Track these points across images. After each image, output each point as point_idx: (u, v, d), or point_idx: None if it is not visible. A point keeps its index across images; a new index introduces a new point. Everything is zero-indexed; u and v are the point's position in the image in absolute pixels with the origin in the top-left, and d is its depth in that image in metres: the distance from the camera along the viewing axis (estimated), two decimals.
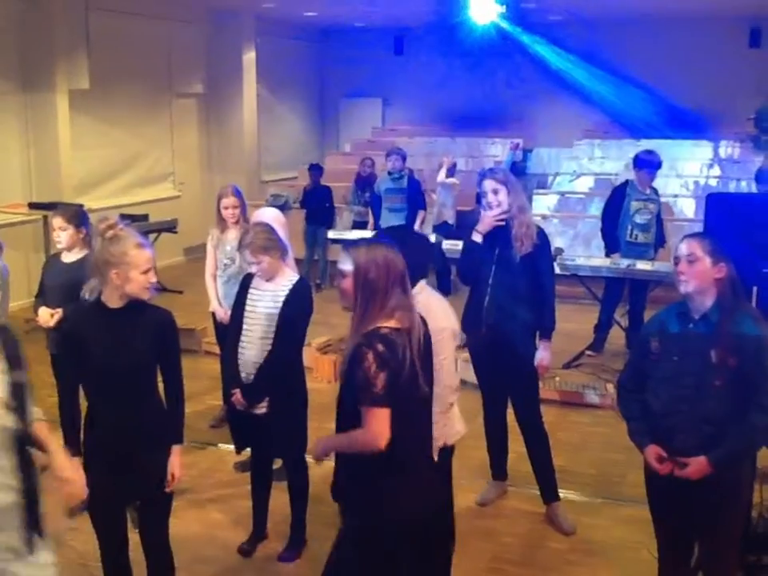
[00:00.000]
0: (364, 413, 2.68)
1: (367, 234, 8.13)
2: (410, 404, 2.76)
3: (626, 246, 7.03)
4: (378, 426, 2.67)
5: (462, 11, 10.62)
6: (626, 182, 7.24)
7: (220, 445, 5.44)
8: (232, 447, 5.35)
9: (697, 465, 2.94)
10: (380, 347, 2.66)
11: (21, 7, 8.92)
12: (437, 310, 3.31)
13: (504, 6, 10.60)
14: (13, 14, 8.91)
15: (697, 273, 2.97)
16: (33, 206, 8.81)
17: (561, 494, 4.54)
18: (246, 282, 4.11)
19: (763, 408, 2.85)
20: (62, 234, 4.61)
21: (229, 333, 4.15)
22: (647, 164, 6.98)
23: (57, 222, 4.64)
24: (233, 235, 5.33)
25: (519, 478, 4.81)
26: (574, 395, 6.18)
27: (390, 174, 8.29)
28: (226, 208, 5.35)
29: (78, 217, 4.70)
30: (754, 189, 8.04)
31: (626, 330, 7.07)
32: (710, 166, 11.48)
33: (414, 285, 3.28)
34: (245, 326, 4.00)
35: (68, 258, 4.67)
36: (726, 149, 11.89)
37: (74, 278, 4.39)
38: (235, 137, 12.43)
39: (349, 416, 2.78)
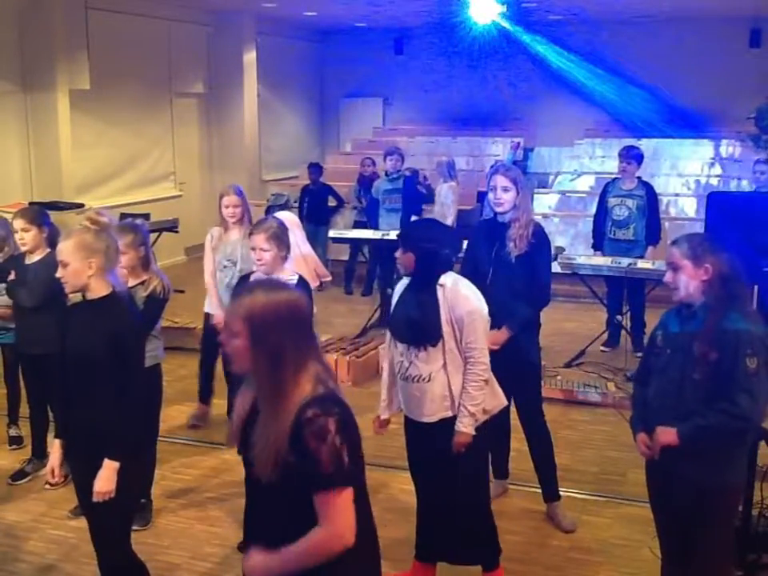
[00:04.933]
0: (327, 500, 2.10)
1: (368, 233, 8.16)
2: (362, 475, 2.25)
3: (608, 243, 7.07)
4: (347, 515, 2.12)
5: (462, 11, 10.62)
6: (613, 179, 7.28)
7: (220, 443, 5.44)
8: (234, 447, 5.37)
9: (664, 432, 2.99)
10: (337, 411, 2.13)
11: (21, 7, 8.93)
12: (466, 294, 3.48)
13: (504, 6, 10.60)
14: (13, 14, 8.91)
15: (681, 280, 3.00)
16: (33, 205, 8.81)
17: (562, 492, 4.54)
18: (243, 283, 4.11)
19: (733, 401, 2.87)
20: (26, 235, 4.61)
21: None
22: (623, 155, 7.03)
23: (18, 223, 4.63)
24: (234, 236, 5.31)
25: (521, 476, 4.80)
26: (576, 394, 6.17)
27: (387, 174, 8.30)
28: (227, 207, 5.29)
29: (39, 217, 4.70)
30: (754, 188, 8.03)
31: (628, 329, 7.06)
32: (711, 165, 11.49)
33: (443, 274, 3.48)
34: None
35: (30, 258, 4.70)
36: (727, 148, 11.89)
37: (39, 278, 4.49)
38: (236, 136, 12.44)
39: (292, 517, 2.17)
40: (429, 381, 3.48)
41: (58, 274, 3.16)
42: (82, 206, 8.59)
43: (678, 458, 3.00)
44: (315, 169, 10.11)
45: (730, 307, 2.93)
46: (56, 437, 3.32)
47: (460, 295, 3.48)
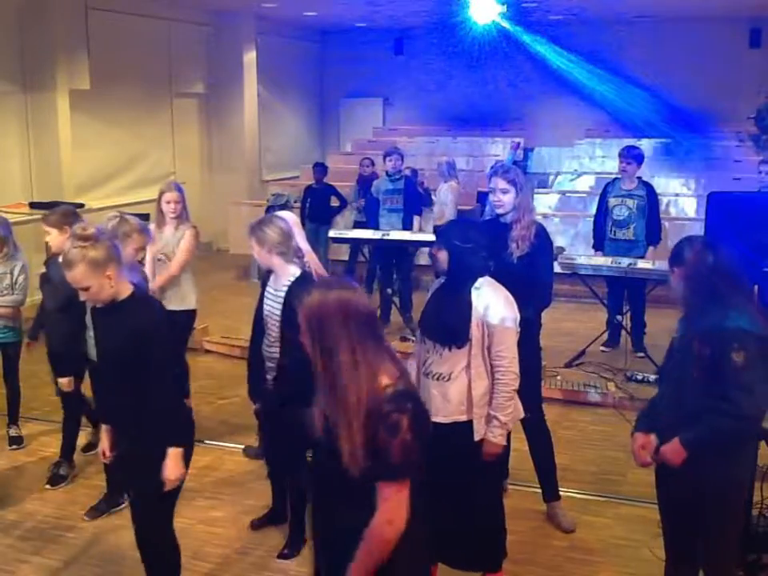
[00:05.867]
0: (389, 491, 2.21)
1: (368, 233, 8.16)
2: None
3: (609, 243, 7.07)
4: (402, 504, 2.22)
5: (462, 11, 10.62)
6: (613, 179, 7.28)
7: (220, 443, 5.45)
8: (232, 445, 5.39)
9: (670, 445, 3.01)
10: (410, 406, 2.22)
11: (21, 7, 8.93)
12: (502, 302, 3.46)
13: (504, 6, 10.61)
14: (13, 14, 8.91)
15: (673, 283, 3.13)
16: (34, 205, 8.81)
17: (562, 492, 4.54)
18: (264, 281, 4.17)
19: (731, 401, 2.88)
20: (48, 237, 4.73)
21: (252, 332, 4.22)
22: (623, 155, 7.03)
23: (44, 225, 4.76)
24: (169, 231, 5.49)
25: (521, 476, 4.80)
26: (576, 394, 6.17)
27: (388, 175, 8.30)
28: (168, 203, 5.45)
29: (63, 219, 4.75)
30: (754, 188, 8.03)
31: (629, 329, 7.06)
32: None
33: (480, 277, 3.46)
34: (266, 325, 4.06)
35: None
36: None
37: (61, 278, 4.52)
38: (236, 136, 12.43)
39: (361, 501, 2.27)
40: (449, 380, 3.46)
41: (82, 299, 3.24)
42: (82, 206, 8.57)
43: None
44: (320, 168, 10.10)
45: (715, 305, 2.95)
46: (102, 422, 3.50)
47: (496, 302, 3.44)
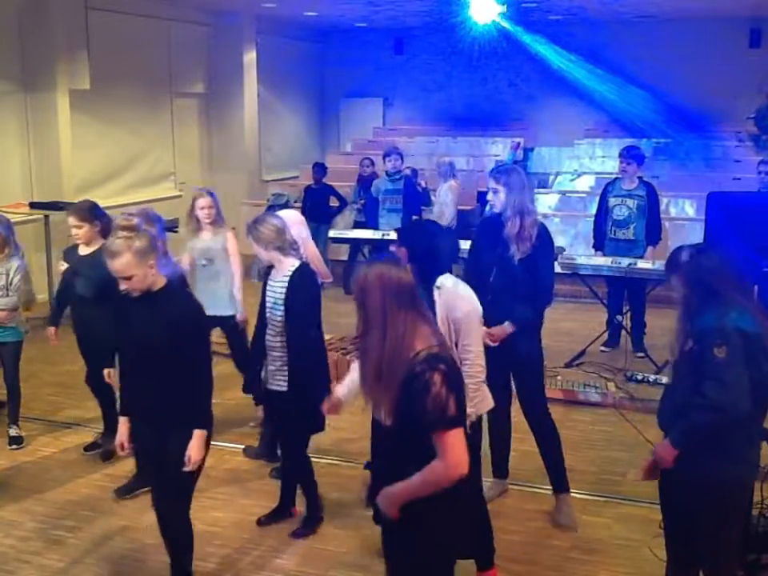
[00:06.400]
0: (441, 439, 2.49)
1: (368, 233, 8.17)
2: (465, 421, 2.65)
3: (609, 243, 7.08)
4: (459, 450, 2.51)
5: (462, 11, 10.62)
6: (614, 179, 7.28)
7: (220, 443, 5.44)
8: (231, 445, 5.40)
9: (660, 445, 3.11)
10: (443, 367, 2.50)
11: (21, 7, 8.93)
12: (464, 296, 3.56)
13: (504, 6, 10.61)
14: (13, 14, 8.91)
15: (674, 290, 3.21)
16: (34, 205, 8.80)
17: None
18: (265, 276, 4.30)
19: (702, 393, 2.93)
20: (79, 231, 4.87)
21: (257, 324, 4.34)
22: (623, 155, 7.04)
23: (71, 220, 4.88)
24: (207, 236, 5.57)
25: (521, 476, 4.81)
26: (576, 394, 6.17)
27: (388, 175, 8.31)
28: (202, 208, 5.52)
29: (91, 213, 4.91)
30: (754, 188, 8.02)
31: (629, 329, 7.06)
32: None
33: (442, 275, 3.55)
34: (267, 317, 4.20)
35: (84, 250, 4.94)
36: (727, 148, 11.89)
37: (91, 268, 4.71)
38: (236, 136, 12.43)
39: (408, 453, 2.58)
40: None
41: (122, 287, 3.31)
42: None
43: (677, 456, 3.05)
44: (319, 168, 10.10)
45: (713, 306, 3.00)
46: (121, 414, 3.59)
47: (458, 297, 3.52)
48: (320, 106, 15.23)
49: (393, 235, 7.74)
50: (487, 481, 4.64)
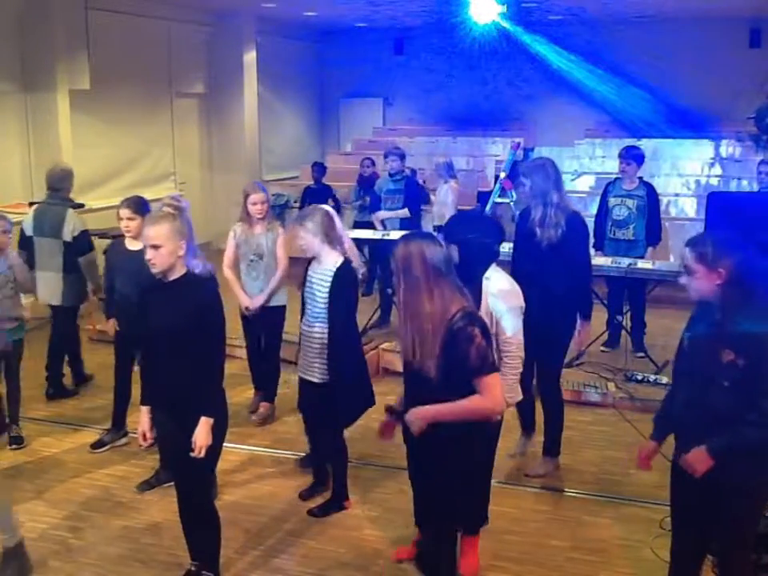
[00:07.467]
0: (484, 382, 2.96)
1: (368, 233, 8.16)
2: None
3: (609, 243, 7.09)
4: (499, 390, 2.99)
5: (462, 11, 10.61)
6: (614, 179, 7.28)
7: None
8: (232, 445, 5.40)
9: (696, 454, 2.94)
10: (480, 322, 3.01)
11: (21, 7, 8.92)
12: (509, 290, 3.68)
13: (504, 6, 10.60)
14: (13, 14, 8.91)
15: (696, 283, 2.96)
16: (34, 205, 8.79)
17: (562, 492, 4.54)
18: (306, 266, 4.40)
19: (761, 410, 2.83)
20: (131, 223, 4.90)
21: (302, 310, 4.45)
22: (623, 156, 7.04)
23: (125, 212, 4.93)
24: (259, 230, 5.50)
25: (520, 476, 4.82)
26: (576, 394, 6.17)
27: (390, 175, 8.31)
28: (255, 204, 5.44)
29: (143, 207, 4.94)
30: (755, 188, 8.04)
31: (629, 329, 7.05)
32: (711, 165, 11.48)
33: (486, 268, 3.67)
34: (307, 306, 4.33)
35: (133, 245, 4.93)
36: (727, 148, 11.88)
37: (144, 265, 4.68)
38: (236, 136, 12.43)
39: (448, 401, 3.01)
40: None
41: (148, 256, 3.35)
42: (82, 205, 8.56)
43: None
44: (319, 168, 10.10)
45: (750, 308, 2.86)
46: (142, 404, 3.62)
47: (503, 290, 3.62)
48: (320, 106, 15.23)
49: (393, 235, 7.74)
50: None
